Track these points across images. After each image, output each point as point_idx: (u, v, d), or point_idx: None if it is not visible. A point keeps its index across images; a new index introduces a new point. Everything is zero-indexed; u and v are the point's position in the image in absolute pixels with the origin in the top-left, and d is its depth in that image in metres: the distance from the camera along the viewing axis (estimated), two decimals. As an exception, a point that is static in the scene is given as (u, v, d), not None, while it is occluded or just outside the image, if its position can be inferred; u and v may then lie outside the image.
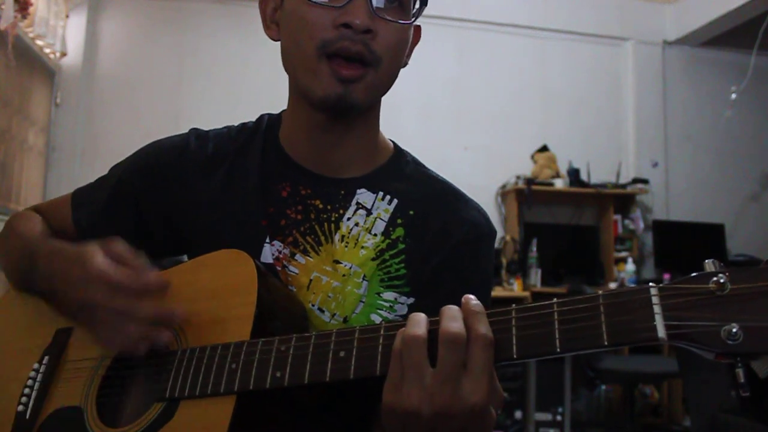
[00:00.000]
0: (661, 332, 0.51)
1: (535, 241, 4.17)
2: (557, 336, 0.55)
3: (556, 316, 0.56)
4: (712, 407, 2.33)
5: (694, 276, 0.52)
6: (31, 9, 3.29)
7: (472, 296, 0.60)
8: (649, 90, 4.70)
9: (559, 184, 4.26)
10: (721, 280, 0.50)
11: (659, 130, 4.69)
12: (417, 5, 0.81)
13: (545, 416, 3.70)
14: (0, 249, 0.95)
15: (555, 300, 0.57)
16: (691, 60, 4.83)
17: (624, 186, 4.41)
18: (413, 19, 0.81)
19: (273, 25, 0.86)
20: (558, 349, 0.55)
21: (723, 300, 0.50)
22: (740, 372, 0.49)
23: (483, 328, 0.57)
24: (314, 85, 0.79)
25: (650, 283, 0.53)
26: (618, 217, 4.41)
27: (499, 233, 4.35)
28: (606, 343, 0.53)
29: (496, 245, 4.28)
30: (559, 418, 3.70)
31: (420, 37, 0.89)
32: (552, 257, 4.24)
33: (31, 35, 3.47)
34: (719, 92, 4.59)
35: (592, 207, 4.54)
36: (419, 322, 0.59)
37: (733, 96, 4.22)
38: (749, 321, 0.49)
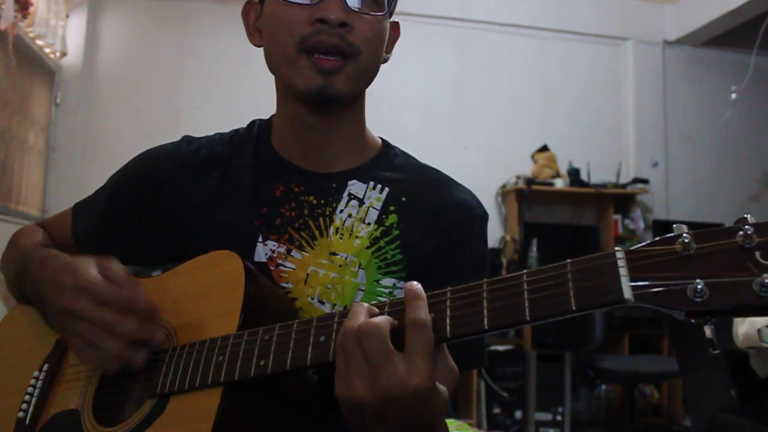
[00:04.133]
0: (627, 293, 0.51)
1: (535, 241, 4.17)
2: (527, 305, 0.55)
3: (525, 286, 0.56)
4: (712, 407, 2.34)
5: (660, 239, 0.52)
6: (31, 9, 3.29)
7: (414, 282, 0.61)
8: (649, 90, 4.70)
9: (559, 184, 4.26)
10: (686, 240, 0.50)
11: (659, 130, 4.70)
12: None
13: (545, 416, 3.70)
14: (3, 264, 0.98)
15: (525, 271, 0.58)
16: (691, 60, 4.83)
17: (624, 186, 4.41)
18: (386, 12, 0.84)
19: (256, 33, 0.89)
20: (528, 318, 0.55)
21: (688, 259, 0.50)
22: (709, 329, 0.50)
23: (416, 312, 0.58)
24: (296, 80, 0.81)
25: (617, 248, 0.54)
26: (618, 217, 4.41)
27: (499, 233, 4.36)
28: (574, 308, 0.53)
29: (497, 245, 4.29)
30: (559, 418, 3.70)
31: (399, 33, 0.92)
32: (552, 257, 4.17)
33: (31, 35, 3.47)
34: (719, 92, 4.59)
35: (592, 207, 4.55)
36: (356, 314, 0.61)
37: (733, 96, 4.22)
38: (714, 277, 0.49)
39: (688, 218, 4.56)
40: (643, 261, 0.52)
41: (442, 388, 0.59)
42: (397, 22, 0.92)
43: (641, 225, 4.39)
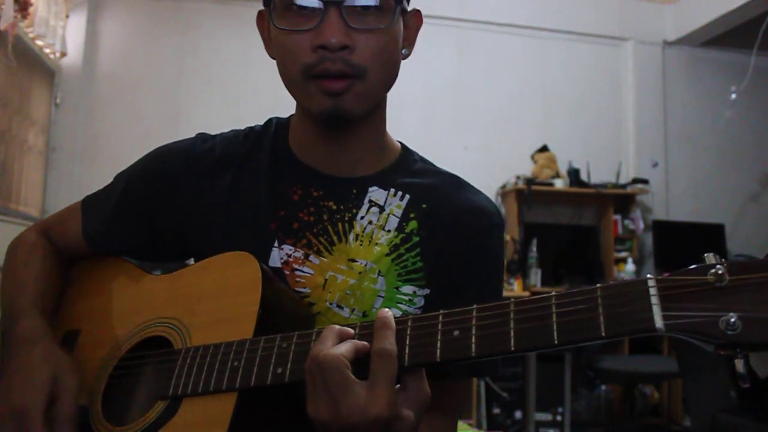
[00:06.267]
0: (659, 323, 0.50)
1: (535, 241, 4.17)
2: (555, 328, 0.55)
3: (554, 309, 0.56)
4: (712, 407, 2.33)
5: (693, 268, 0.52)
6: (31, 9, 3.29)
7: (385, 310, 0.63)
8: (649, 90, 4.70)
9: (559, 184, 4.26)
10: (720, 272, 0.50)
11: (659, 130, 4.69)
12: (393, 4, 0.79)
13: (545, 416, 3.70)
14: (3, 276, 0.96)
15: (553, 293, 0.57)
16: (691, 60, 4.83)
17: (624, 186, 4.41)
18: (392, 22, 0.79)
19: (271, 44, 0.86)
20: (556, 342, 0.54)
21: (721, 291, 0.50)
22: (740, 363, 0.49)
23: (382, 342, 0.60)
24: (308, 103, 0.80)
25: (648, 275, 0.53)
26: (618, 217, 4.40)
27: (499, 233, 4.35)
28: (603, 335, 0.53)
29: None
30: (559, 418, 3.70)
31: (421, 20, 0.88)
32: (552, 257, 4.24)
33: (31, 35, 3.47)
34: (719, 92, 4.59)
35: (592, 207, 4.54)
36: (324, 339, 0.62)
37: (733, 96, 4.22)
38: (748, 311, 0.48)
39: (688, 218, 4.57)
40: (675, 290, 0.51)
41: (407, 413, 0.60)
42: (418, 10, 0.87)
43: (641, 225, 4.38)
